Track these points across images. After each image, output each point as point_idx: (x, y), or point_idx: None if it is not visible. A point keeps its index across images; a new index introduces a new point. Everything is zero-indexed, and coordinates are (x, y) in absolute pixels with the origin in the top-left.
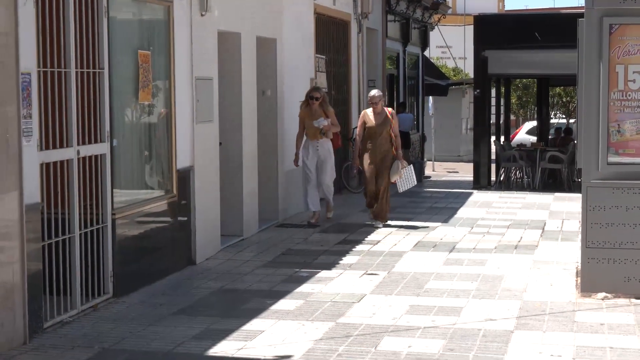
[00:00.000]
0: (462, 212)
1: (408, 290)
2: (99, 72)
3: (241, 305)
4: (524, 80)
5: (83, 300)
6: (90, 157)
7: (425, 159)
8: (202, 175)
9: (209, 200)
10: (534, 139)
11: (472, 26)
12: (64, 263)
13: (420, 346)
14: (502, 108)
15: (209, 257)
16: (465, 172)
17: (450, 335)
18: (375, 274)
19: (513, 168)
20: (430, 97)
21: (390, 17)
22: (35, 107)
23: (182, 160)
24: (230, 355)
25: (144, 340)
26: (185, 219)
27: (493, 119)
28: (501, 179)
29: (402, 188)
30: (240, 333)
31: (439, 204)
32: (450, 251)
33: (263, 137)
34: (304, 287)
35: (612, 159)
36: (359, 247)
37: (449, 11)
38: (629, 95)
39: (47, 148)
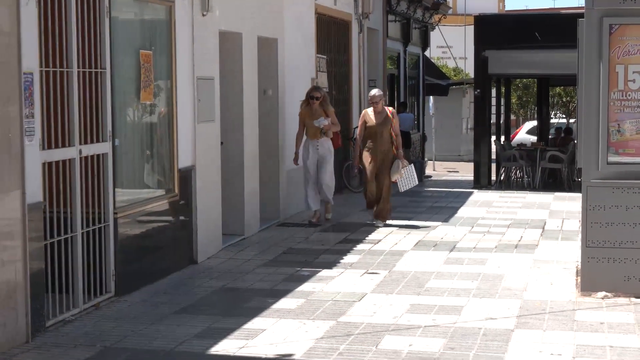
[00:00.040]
0: (463, 212)
1: (409, 289)
2: (100, 71)
3: (242, 304)
4: (524, 80)
5: (85, 299)
6: (92, 156)
7: (425, 159)
8: (203, 175)
9: (210, 200)
10: (534, 138)
11: (472, 26)
12: (66, 262)
13: (420, 345)
14: (502, 108)
15: (211, 256)
16: (465, 171)
17: (450, 334)
18: (376, 273)
19: (513, 168)
20: (431, 97)
21: (390, 17)
22: (38, 106)
23: (183, 160)
24: (231, 354)
25: (146, 338)
26: (187, 218)
27: (493, 119)
28: (501, 178)
29: (403, 188)
30: (242, 332)
31: (440, 204)
32: (451, 250)
33: (264, 137)
34: (305, 286)
35: (612, 158)
36: (359, 247)
37: (450, 11)
38: (629, 95)
39: (49, 147)
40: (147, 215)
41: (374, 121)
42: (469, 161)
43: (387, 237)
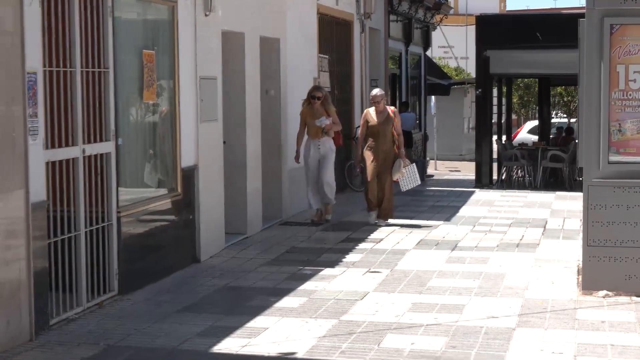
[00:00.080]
0: (464, 211)
1: (411, 288)
2: (104, 71)
3: (245, 302)
4: (526, 79)
5: (88, 298)
6: (95, 155)
7: (427, 158)
8: (206, 174)
9: (213, 199)
10: (535, 138)
11: (473, 26)
12: (69, 261)
13: (422, 343)
14: (503, 107)
15: (213, 255)
16: (467, 170)
17: (452, 333)
18: (378, 272)
19: (515, 167)
20: (433, 97)
21: (392, 17)
22: (41, 106)
23: (186, 159)
24: (234, 352)
25: (149, 337)
26: (190, 217)
27: (495, 118)
28: (503, 177)
29: (405, 187)
30: (244, 330)
31: (441, 203)
32: (453, 249)
33: (267, 136)
34: (308, 285)
35: (613, 158)
36: (361, 245)
37: (451, 11)
38: (630, 95)
39: (52, 147)
40: (150, 214)
41: (376, 120)
42: (470, 160)
43: (389, 236)
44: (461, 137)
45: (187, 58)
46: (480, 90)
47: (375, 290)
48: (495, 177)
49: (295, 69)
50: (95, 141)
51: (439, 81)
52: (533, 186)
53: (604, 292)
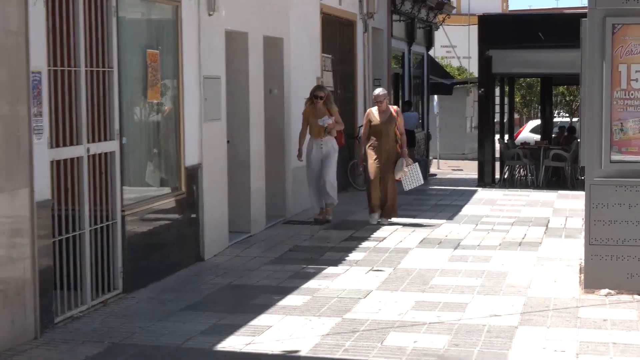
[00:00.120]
0: (467, 210)
1: (413, 286)
2: (108, 70)
3: (249, 301)
4: (528, 79)
5: (93, 296)
6: (99, 154)
7: (430, 157)
8: (210, 173)
9: (216, 198)
10: (537, 137)
11: (476, 26)
12: (74, 259)
13: (425, 341)
14: (506, 107)
15: (217, 253)
16: (469, 170)
17: (455, 331)
18: (381, 270)
19: (517, 166)
20: (435, 96)
21: (395, 16)
22: (46, 105)
23: (190, 158)
24: (238, 350)
25: (153, 335)
26: (194, 216)
27: (497, 118)
28: (505, 176)
29: (407, 187)
30: (248, 328)
31: (444, 202)
32: (455, 248)
33: (270, 135)
34: (311, 283)
35: (615, 157)
36: (364, 244)
37: (454, 11)
38: (632, 94)
39: (57, 146)
40: (154, 213)
41: (378, 120)
42: (473, 159)
43: (392, 235)
44: (464, 136)
45: (191, 57)
46: (482, 89)
47: (378, 289)
48: (497, 176)
49: (299, 69)
50: (99, 140)
51: (441, 80)
52: (535, 185)
53: (606, 290)
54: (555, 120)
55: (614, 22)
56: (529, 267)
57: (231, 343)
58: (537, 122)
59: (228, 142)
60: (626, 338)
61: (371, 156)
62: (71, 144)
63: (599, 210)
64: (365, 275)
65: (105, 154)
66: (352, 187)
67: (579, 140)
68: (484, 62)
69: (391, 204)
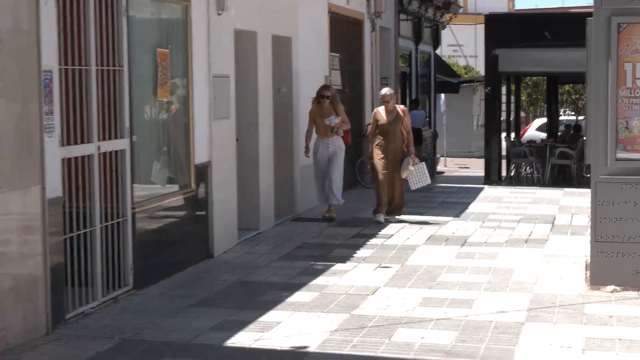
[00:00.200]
0: (474, 207)
1: (421, 283)
2: (118, 69)
3: (258, 297)
4: (534, 78)
5: (104, 292)
6: (110, 152)
7: (437, 155)
8: (219, 171)
9: (226, 195)
10: (543, 135)
11: (482, 25)
12: (85, 256)
13: (433, 337)
14: (512, 105)
15: (227, 250)
16: (476, 167)
17: (462, 327)
18: (388, 267)
19: (523, 164)
20: (442, 95)
21: (402, 16)
22: (57, 103)
23: (200, 156)
24: (247, 346)
25: (163, 331)
26: (203, 213)
27: (503, 116)
28: (512, 174)
29: (414, 186)
30: (257, 324)
31: (451, 199)
32: (462, 245)
33: (279, 133)
34: (319, 280)
35: (621, 155)
36: (372, 241)
37: (460, 10)
38: (637, 93)
39: (68, 144)
40: (164, 210)
41: (385, 119)
42: (479, 157)
43: (400, 232)
44: (470, 134)
45: (201, 56)
46: (489, 88)
47: (386, 285)
48: (504, 173)
49: (307, 68)
50: (110, 138)
51: (448, 79)
52: (541, 183)
53: (612, 287)
54: (561, 118)
55: (620, 21)
56: (535, 264)
57: (240, 339)
58: (543, 120)
59: (237, 140)
60: (632, 334)
61: (378, 156)
62: (82, 142)
63: (605, 208)
64: (373, 271)
65: (116, 152)
66: (360, 185)
67: (584, 138)
68: (491, 61)
69: (398, 201)
